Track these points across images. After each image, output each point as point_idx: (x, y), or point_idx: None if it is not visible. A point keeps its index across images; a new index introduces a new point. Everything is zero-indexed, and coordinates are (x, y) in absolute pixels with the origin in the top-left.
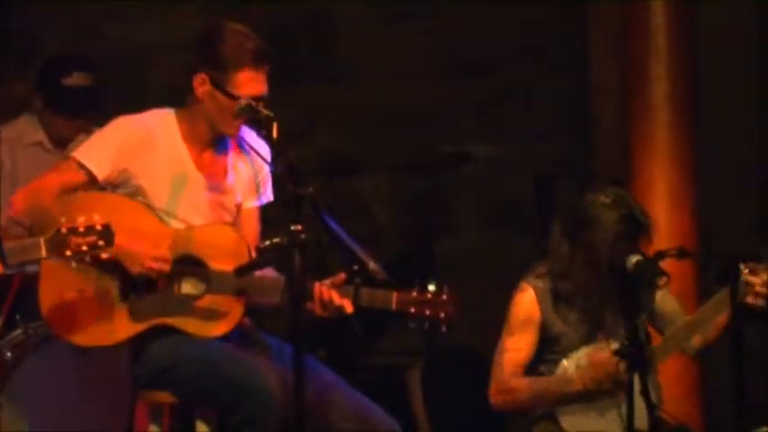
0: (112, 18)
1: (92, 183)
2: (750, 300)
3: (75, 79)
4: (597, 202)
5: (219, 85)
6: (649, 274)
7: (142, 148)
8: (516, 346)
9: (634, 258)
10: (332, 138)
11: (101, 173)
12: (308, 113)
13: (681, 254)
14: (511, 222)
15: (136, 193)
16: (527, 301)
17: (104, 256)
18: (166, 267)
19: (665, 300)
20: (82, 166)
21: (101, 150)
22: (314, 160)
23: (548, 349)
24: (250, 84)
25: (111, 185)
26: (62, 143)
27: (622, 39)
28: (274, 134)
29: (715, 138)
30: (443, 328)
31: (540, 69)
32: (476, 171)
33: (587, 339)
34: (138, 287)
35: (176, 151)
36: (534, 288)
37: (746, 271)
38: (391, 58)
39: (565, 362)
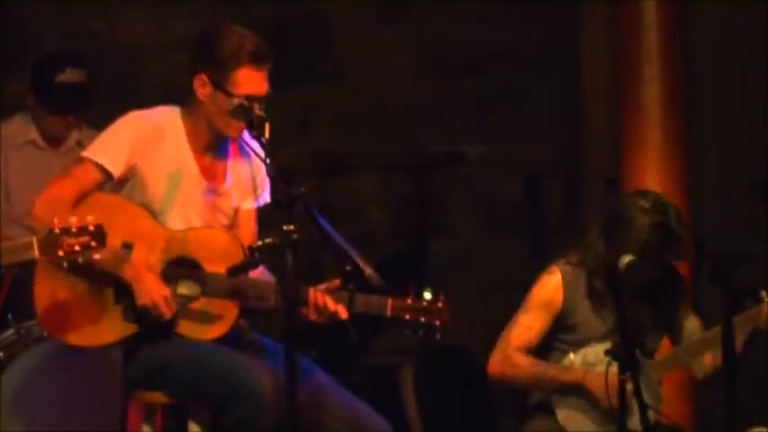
0: (106, 17)
1: (107, 181)
2: (763, 329)
3: (69, 76)
4: (635, 204)
5: (219, 84)
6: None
7: (152, 144)
8: (528, 325)
9: (626, 258)
10: (325, 138)
11: (116, 170)
12: (302, 113)
13: (674, 255)
14: (503, 222)
15: (139, 190)
16: (552, 285)
17: (96, 256)
18: (170, 314)
19: (688, 316)
20: (97, 166)
21: (114, 148)
22: (307, 160)
23: (559, 338)
24: (250, 83)
25: (118, 181)
26: (54, 140)
27: (614, 39)
28: (266, 134)
29: (706, 137)
30: (438, 336)
31: (532, 70)
32: (469, 171)
33: (607, 335)
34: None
35: (180, 151)
36: (563, 274)
37: None
38: (385, 59)
39: (572, 355)
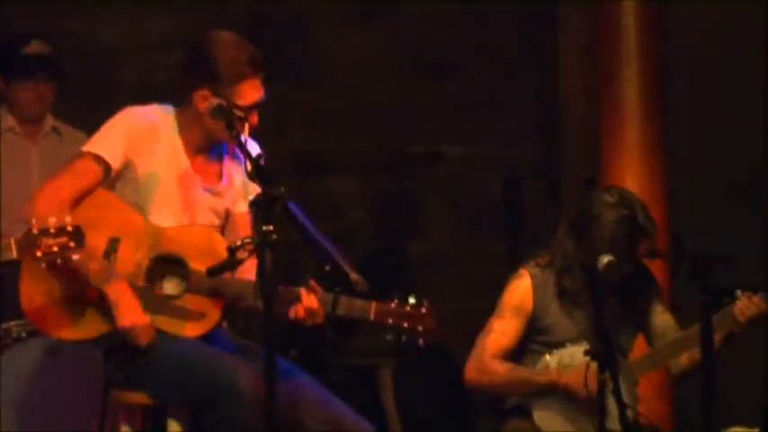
0: (84, 17)
1: (107, 175)
2: (736, 329)
3: (35, 47)
4: (601, 200)
5: (224, 98)
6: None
7: (147, 140)
8: (502, 330)
9: (605, 258)
10: (303, 138)
11: (115, 163)
12: (280, 113)
13: (652, 254)
14: (481, 223)
15: (129, 185)
16: (522, 289)
17: (75, 257)
18: (146, 341)
19: (660, 314)
20: (97, 159)
21: (112, 141)
22: (286, 160)
23: (535, 340)
24: (253, 92)
25: (114, 176)
26: (30, 122)
27: (592, 39)
28: (246, 134)
29: (685, 137)
30: (421, 342)
31: (510, 70)
32: (447, 172)
33: (581, 335)
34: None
35: (174, 149)
36: (532, 276)
37: (744, 300)
38: (363, 59)
39: (548, 356)
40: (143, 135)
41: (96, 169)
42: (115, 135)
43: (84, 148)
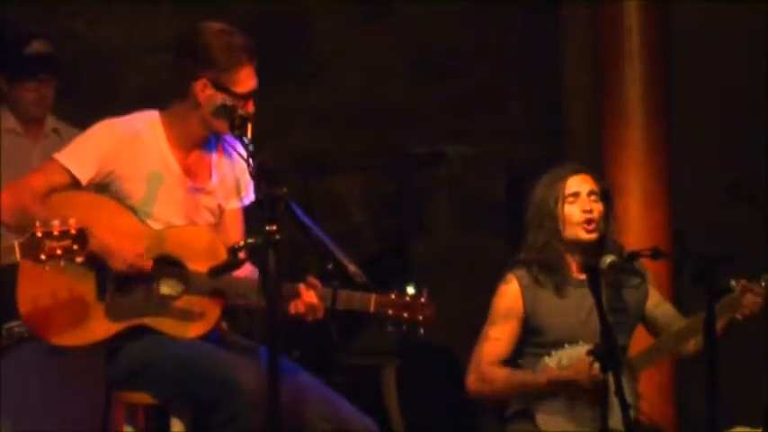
0: (87, 19)
1: (75, 185)
2: (738, 316)
3: (36, 47)
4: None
5: (223, 86)
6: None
7: (129, 150)
8: (497, 336)
9: (608, 259)
10: (306, 138)
11: (84, 176)
12: (283, 113)
13: (655, 254)
14: (484, 223)
15: (120, 195)
16: (510, 294)
17: (79, 260)
18: (148, 265)
19: (660, 306)
20: (65, 170)
21: (84, 154)
22: (288, 160)
23: (531, 342)
24: (249, 79)
25: (97, 186)
26: (31, 122)
27: (595, 40)
28: (248, 134)
29: (689, 137)
30: (421, 332)
31: (513, 70)
32: (449, 172)
33: (575, 333)
34: (118, 285)
35: (162, 154)
36: (518, 279)
37: (740, 289)
38: (365, 59)
39: (547, 359)
40: (123, 146)
41: (64, 178)
42: (88, 149)
43: (56, 156)
